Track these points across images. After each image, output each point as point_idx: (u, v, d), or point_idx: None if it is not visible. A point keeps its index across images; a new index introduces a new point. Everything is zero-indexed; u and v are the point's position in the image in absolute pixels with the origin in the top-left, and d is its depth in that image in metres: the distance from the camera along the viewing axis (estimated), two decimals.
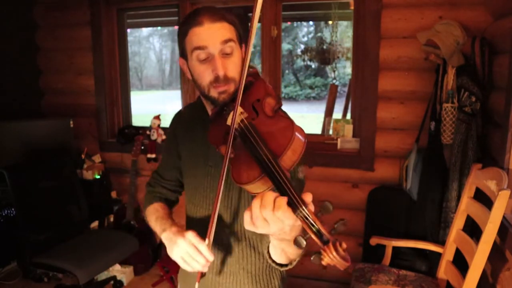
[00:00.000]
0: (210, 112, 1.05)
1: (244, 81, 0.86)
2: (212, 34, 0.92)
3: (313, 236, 0.67)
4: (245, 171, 0.79)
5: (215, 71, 0.92)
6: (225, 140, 0.86)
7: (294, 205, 0.69)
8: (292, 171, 0.88)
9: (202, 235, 1.08)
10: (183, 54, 0.99)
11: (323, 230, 0.67)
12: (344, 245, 0.65)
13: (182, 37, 0.97)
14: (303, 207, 0.69)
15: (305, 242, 0.68)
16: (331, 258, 0.65)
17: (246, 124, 0.85)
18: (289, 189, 0.71)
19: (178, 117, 1.22)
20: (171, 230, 1.00)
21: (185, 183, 1.16)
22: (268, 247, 0.95)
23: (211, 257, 0.91)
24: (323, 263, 0.66)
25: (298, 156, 0.77)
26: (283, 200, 0.69)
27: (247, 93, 0.93)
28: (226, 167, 0.85)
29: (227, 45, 0.93)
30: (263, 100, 0.90)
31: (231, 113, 0.90)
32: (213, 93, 0.95)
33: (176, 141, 1.17)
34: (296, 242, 0.68)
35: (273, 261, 0.94)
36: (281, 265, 0.94)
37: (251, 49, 0.87)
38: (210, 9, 0.95)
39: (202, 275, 0.95)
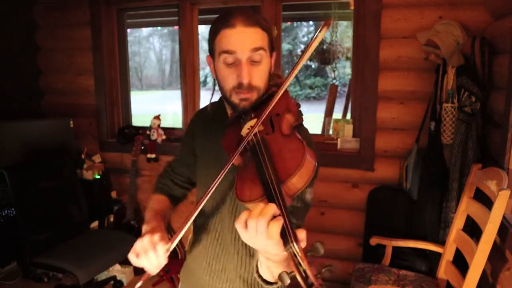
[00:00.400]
0: (229, 115, 1.04)
1: (270, 108, 0.84)
2: (243, 39, 0.89)
3: (297, 276, 0.64)
4: (248, 189, 0.77)
5: (239, 77, 0.90)
6: (237, 149, 0.85)
7: (285, 238, 0.66)
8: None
9: (209, 235, 1.08)
10: (211, 52, 0.97)
11: (309, 272, 0.63)
12: None
13: (212, 36, 0.94)
14: (294, 244, 0.65)
15: (289, 280, 0.65)
16: None
17: (258, 139, 0.83)
18: (285, 221, 0.68)
19: (200, 114, 1.20)
20: (150, 225, 1.00)
21: (198, 181, 1.15)
22: (257, 260, 0.93)
23: (163, 262, 0.89)
24: None
25: (304, 183, 0.75)
26: (277, 228, 0.66)
27: (268, 104, 0.92)
28: (223, 173, 0.82)
29: (256, 53, 0.90)
30: (282, 115, 0.88)
31: (247, 124, 0.88)
32: (235, 98, 0.94)
33: (193, 138, 1.16)
34: (280, 278, 0.65)
35: (259, 276, 0.91)
36: (267, 282, 0.90)
37: (294, 75, 0.84)
38: (245, 11, 0.92)
39: (148, 278, 0.94)
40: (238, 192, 0.79)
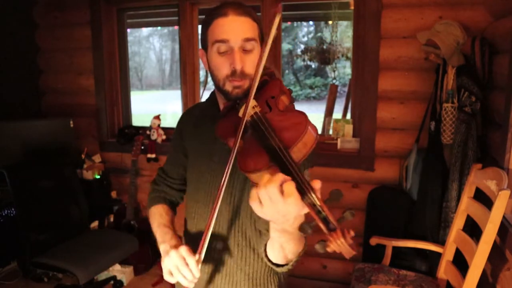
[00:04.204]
0: (221, 107, 1.05)
1: (260, 73, 0.85)
2: (236, 28, 0.92)
3: (319, 223, 0.66)
4: (252, 159, 0.78)
5: (232, 64, 0.92)
6: (235, 133, 0.85)
7: (302, 190, 0.68)
8: None
9: (202, 233, 1.08)
10: (204, 44, 1.00)
11: (330, 218, 0.66)
12: (352, 233, 0.65)
13: (205, 27, 0.97)
14: (311, 193, 0.67)
15: (310, 230, 0.67)
16: (338, 244, 0.64)
17: (258, 115, 0.84)
18: (297, 175, 0.69)
19: (187, 114, 1.21)
20: (170, 243, 1.00)
21: (188, 178, 1.15)
22: (266, 245, 0.94)
23: (197, 274, 0.90)
24: (328, 249, 0.65)
25: (308, 149, 0.77)
26: (292, 185, 0.67)
27: (262, 91, 0.94)
28: (232, 161, 0.83)
29: (248, 43, 0.93)
30: (278, 97, 0.90)
31: (244, 105, 0.89)
32: (228, 86, 0.95)
33: (183, 139, 1.16)
34: (301, 228, 0.67)
35: (269, 260, 0.92)
36: (277, 265, 0.92)
37: (269, 47, 0.85)
38: (237, 3, 0.96)
39: None
40: (242, 164, 0.79)
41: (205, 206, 1.07)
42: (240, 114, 0.89)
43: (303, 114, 0.82)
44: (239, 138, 0.83)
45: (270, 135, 0.77)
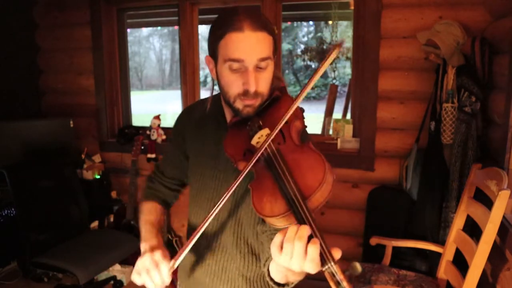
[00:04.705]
0: (228, 116, 1.03)
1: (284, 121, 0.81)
2: (252, 47, 0.86)
3: None
4: (268, 203, 0.74)
5: (246, 85, 0.87)
6: (246, 158, 0.82)
7: (322, 258, 0.67)
8: None
9: (208, 238, 1.06)
10: (213, 54, 0.93)
11: None
12: None
13: (216, 38, 0.89)
14: (332, 263, 0.66)
15: None
16: None
17: (273, 150, 0.80)
18: (317, 235, 0.68)
19: (188, 114, 1.16)
20: (149, 243, 0.98)
21: (191, 181, 1.13)
22: (269, 265, 0.92)
23: (167, 280, 0.87)
24: None
25: (325, 198, 0.73)
26: (317, 250, 0.66)
27: (273, 110, 0.90)
28: (236, 185, 0.80)
29: (263, 62, 0.88)
30: (291, 123, 0.86)
31: (258, 133, 0.85)
32: (239, 104, 0.91)
33: (184, 140, 1.13)
34: None
35: (271, 279, 0.91)
36: (279, 285, 0.91)
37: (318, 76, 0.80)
38: (251, 13, 0.88)
39: None
40: (257, 206, 0.76)
41: (207, 212, 1.06)
42: (254, 142, 0.85)
43: (319, 154, 0.76)
44: (250, 167, 0.80)
45: (287, 179, 0.73)
